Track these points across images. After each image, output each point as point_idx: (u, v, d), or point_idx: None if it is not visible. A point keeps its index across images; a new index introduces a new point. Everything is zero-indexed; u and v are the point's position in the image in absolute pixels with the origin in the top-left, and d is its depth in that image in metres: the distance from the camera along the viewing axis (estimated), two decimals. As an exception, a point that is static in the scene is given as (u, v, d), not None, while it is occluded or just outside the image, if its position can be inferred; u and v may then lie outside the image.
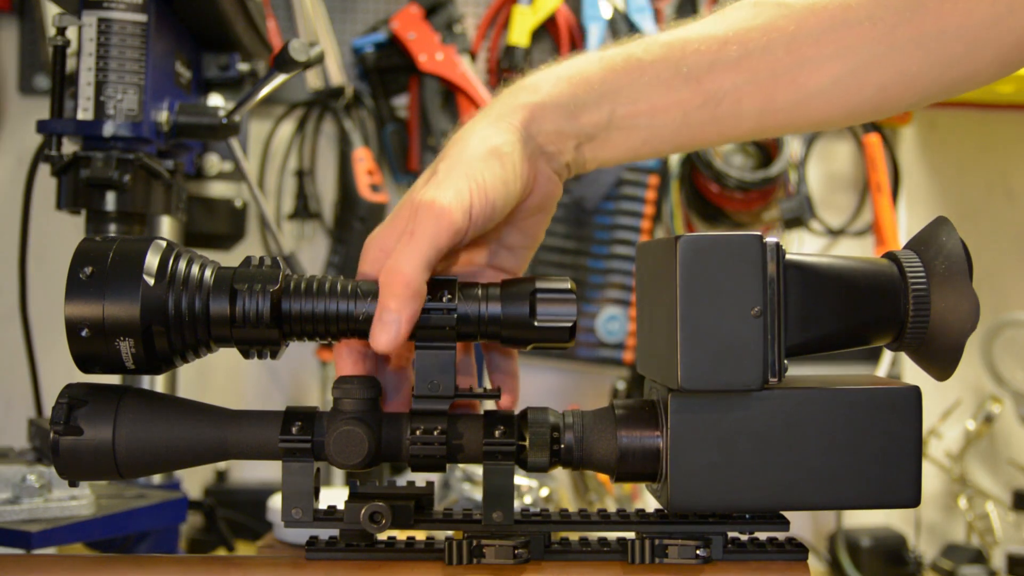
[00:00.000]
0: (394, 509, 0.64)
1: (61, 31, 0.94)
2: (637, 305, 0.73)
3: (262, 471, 1.51)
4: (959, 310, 0.62)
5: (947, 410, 1.53)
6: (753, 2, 0.69)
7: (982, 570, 1.39)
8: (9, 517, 0.86)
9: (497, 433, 0.63)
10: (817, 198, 1.60)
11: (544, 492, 1.18)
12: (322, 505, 0.67)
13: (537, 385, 1.55)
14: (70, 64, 0.95)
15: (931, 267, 0.63)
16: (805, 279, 0.63)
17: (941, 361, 0.63)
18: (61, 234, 1.29)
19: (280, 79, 0.97)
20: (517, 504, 1.16)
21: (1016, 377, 1.51)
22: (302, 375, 1.53)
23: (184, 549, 1.27)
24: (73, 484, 0.66)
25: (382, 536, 0.68)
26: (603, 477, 1.43)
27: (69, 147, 0.95)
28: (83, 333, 0.60)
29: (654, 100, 0.68)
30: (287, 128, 1.53)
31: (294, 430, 0.63)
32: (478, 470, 1.18)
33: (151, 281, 0.61)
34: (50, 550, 0.87)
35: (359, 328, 0.63)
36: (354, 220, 1.45)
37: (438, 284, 0.63)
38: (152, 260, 0.61)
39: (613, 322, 1.48)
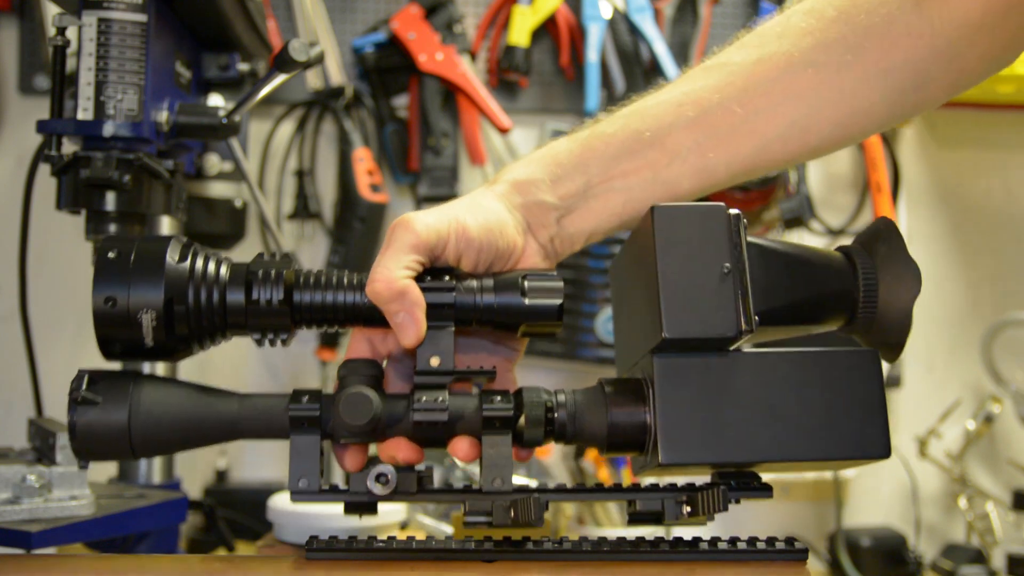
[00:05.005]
0: (399, 474, 0.67)
1: (61, 31, 0.94)
2: (614, 311, 0.78)
3: (262, 471, 1.51)
4: (903, 282, 0.68)
5: (947, 410, 1.53)
6: (703, 67, 0.74)
7: (982, 570, 1.39)
8: (9, 517, 0.86)
9: (495, 402, 0.66)
10: (817, 198, 1.60)
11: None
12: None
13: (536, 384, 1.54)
14: (70, 64, 0.95)
15: (874, 251, 0.70)
16: (764, 256, 0.68)
17: (890, 336, 0.69)
18: (61, 234, 1.30)
19: (280, 79, 0.97)
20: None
21: (1016, 377, 1.51)
22: (302, 375, 1.53)
23: (184, 549, 1.27)
24: (84, 465, 0.67)
25: (382, 536, 0.68)
26: (603, 476, 1.43)
27: (69, 147, 0.95)
28: (108, 305, 0.63)
29: (623, 165, 0.72)
30: (287, 128, 1.53)
31: (304, 400, 0.66)
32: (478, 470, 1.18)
33: (175, 260, 0.65)
34: (50, 550, 0.87)
35: (364, 316, 0.67)
36: (354, 220, 1.45)
37: (436, 272, 0.68)
38: (174, 249, 0.66)
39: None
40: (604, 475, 1.43)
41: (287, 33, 1.50)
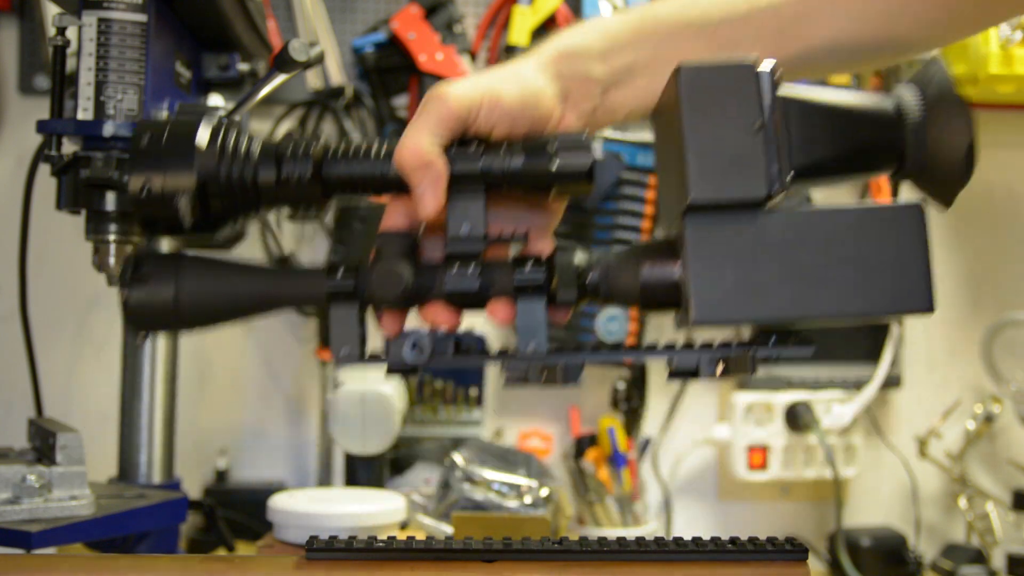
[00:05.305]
0: (435, 341, 0.67)
1: (61, 31, 0.94)
2: (656, 166, 0.77)
3: (262, 471, 1.51)
4: (955, 128, 0.66)
5: (947, 410, 1.53)
6: None
7: (982, 570, 1.39)
8: (9, 517, 0.86)
9: (527, 267, 0.67)
10: (817, 198, 1.60)
11: (544, 492, 1.18)
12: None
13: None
14: (70, 64, 0.95)
15: (924, 93, 0.68)
16: (803, 109, 0.66)
17: (944, 182, 0.67)
18: (61, 234, 1.30)
19: (280, 79, 0.97)
20: (516, 504, 1.16)
21: (1016, 377, 1.51)
22: (302, 375, 1.53)
23: (184, 549, 1.27)
24: (141, 340, 0.69)
25: (382, 536, 0.68)
26: (603, 477, 1.43)
27: (69, 147, 0.95)
28: (145, 193, 0.66)
29: (671, 50, 0.74)
30: (287, 128, 1.53)
31: (339, 275, 0.67)
32: (478, 470, 1.18)
33: (205, 140, 0.66)
34: (50, 550, 0.87)
35: (393, 185, 0.68)
36: (354, 220, 1.45)
37: (465, 141, 0.68)
38: (205, 129, 0.67)
39: (613, 322, 1.48)
40: (604, 475, 1.43)
41: (287, 33, 1.50)
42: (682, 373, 0.67)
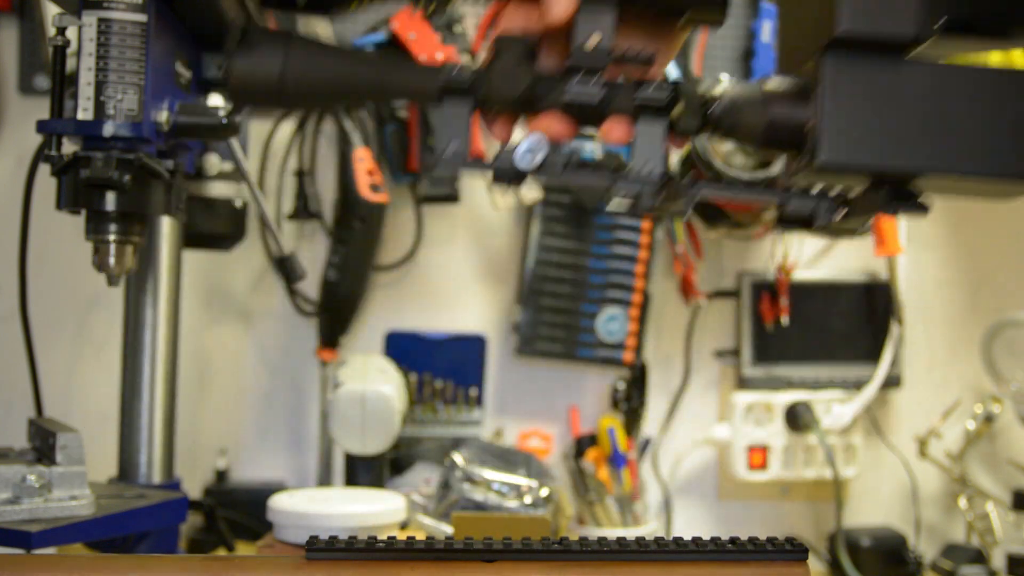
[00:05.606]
0: (549, 150, 0.65)
1: (61, 31, 0.94)
2: (782, 21, 0.73)
3: (262, 471, 1.51)
4: None
5: (947, 410, 1.53)
6: None
7: (982, 570, 1.39)
8: (9, 517, 0.86)
9: (652, 87, 0.65)
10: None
11: (544, 492, 1.18)
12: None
13: (536, 384, 1.55)
14: (70, 64, 0.95)
15: None
16: None
17: None
18: (61, 234, 1.30)
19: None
20: (516, 504, 1.16)
21: (1016, 377, 1.51)
22: (302, 375, 1.53)
23: (184, 549, 1.27)
24: (236, 112, 0.70)
25: (382, 536, 0.68)
26: (603, 477, 1.43)
27: (69, 147, 0.95)
28: None
29: None
30: (287, 128, 1.53)
31: (456, 69, 0.64)
32: (478, 470, 1.18)
33: None
34: (50, 550, 0.87)
35: None
36: (354, 220, 1.45)
37: None
38: None
39: (613, 322, 1.48)
40: (604, 475, 1.43)
41: (287, 33, 1.50)
42: (794, 220, 0.65)
